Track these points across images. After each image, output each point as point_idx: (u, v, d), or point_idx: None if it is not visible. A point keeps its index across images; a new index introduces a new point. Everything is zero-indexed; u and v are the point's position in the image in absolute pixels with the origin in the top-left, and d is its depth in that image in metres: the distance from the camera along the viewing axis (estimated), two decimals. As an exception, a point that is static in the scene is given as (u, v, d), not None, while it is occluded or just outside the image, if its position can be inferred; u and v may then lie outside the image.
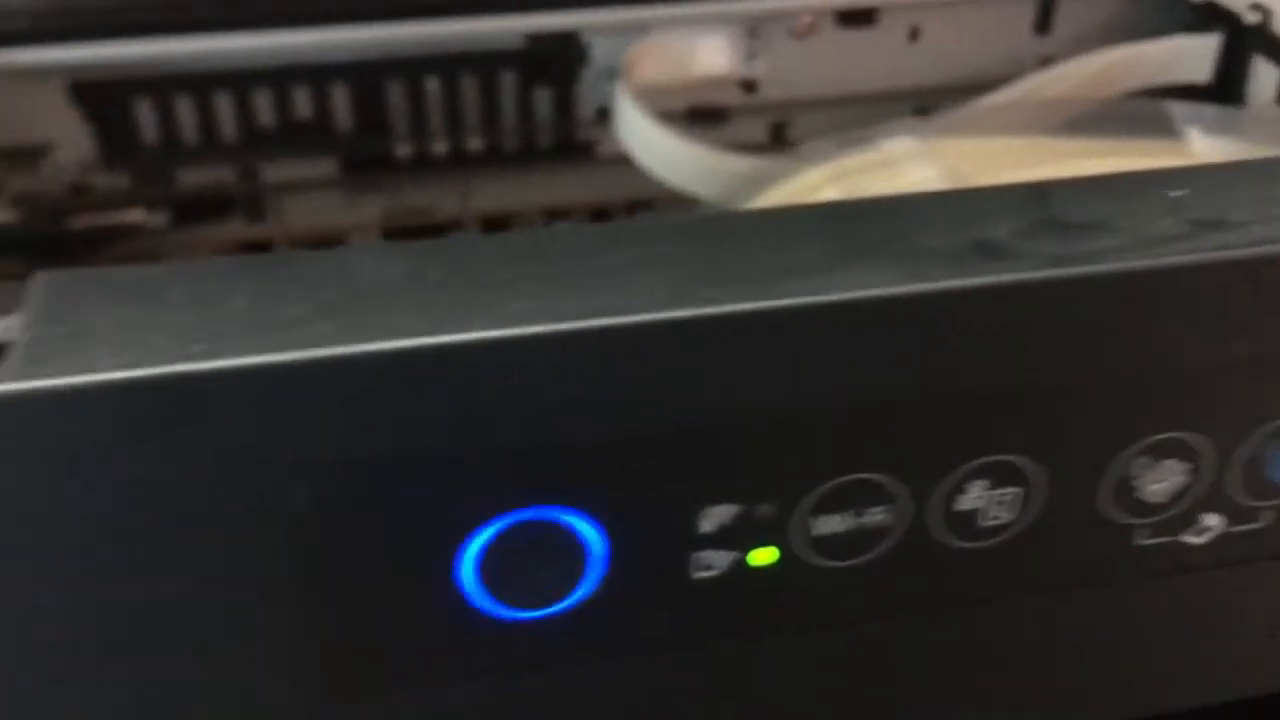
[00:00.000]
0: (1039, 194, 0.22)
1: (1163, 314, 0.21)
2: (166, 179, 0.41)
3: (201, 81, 0.39)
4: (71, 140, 0.39)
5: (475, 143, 0.43)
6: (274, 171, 0.41)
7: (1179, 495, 0.23)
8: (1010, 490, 0.22)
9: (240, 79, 0.40)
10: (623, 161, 0.41)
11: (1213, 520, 0.24)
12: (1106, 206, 0.22)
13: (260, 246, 0.42)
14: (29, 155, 0.39)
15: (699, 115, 0.44)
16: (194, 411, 0.18)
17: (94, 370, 0.17)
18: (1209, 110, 0.34)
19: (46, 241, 0.40)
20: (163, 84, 0.39)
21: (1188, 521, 0.23)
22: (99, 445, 0.18)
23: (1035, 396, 0.21)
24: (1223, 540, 0.24)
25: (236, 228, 0.42)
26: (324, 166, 0.42)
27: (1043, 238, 0.21)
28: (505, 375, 0.19)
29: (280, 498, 0.19)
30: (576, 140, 0.43)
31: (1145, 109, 0.34)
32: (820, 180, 0.30)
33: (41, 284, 0.20)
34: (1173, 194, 0.22)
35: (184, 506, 0.19)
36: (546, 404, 0.19)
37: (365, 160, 0.42)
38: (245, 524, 0.19)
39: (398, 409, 0.19)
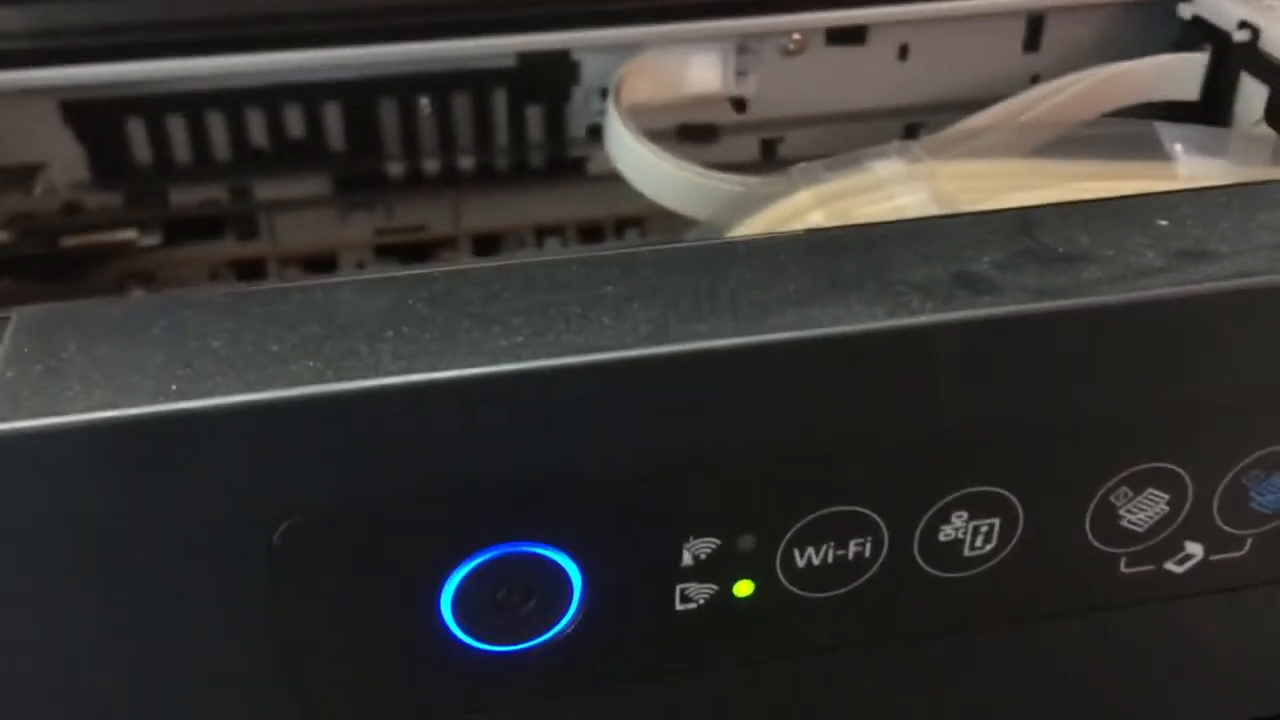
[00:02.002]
0: (1023, 222, 0.22)
1: (1144, 346, 0.21)
2: (159, 198, 0.41)
3: (193, 101, 0.39)
4: (64, 160, 0.40)
5: (467, 161, 0.43)
6: (266, 190, 0.41)
7: (1161, 524, 0.23)
8: (991, 520, 0.22)
9: (232, 98, 0.40)
10: (614, 179, 0.41)
11: (1195, 549, 0.24)
12: (1090, 236, 0.22)
13: (253, 265, 0.42)
14: (22, 175, 0.40)
15: (690, 133, 0.44)
16: (170, 453, 0.18)
17: (67, 412, 0.17)
18: (1196, 131, 0.34)
19: (40, 261, 0.40)
20: (155, 104, 0.39)
21: (1170, 550, 0.24)
22: (74, 487, 0.18)
23: (1016, 428, 0.21)
24: (1205, 568, 0.24)
25: (229, 246, 0.42)
26: (316, 185, 0.42)
27: (1025, 269, 0.21)
28: (489, 412, 0.19)
29: (259, 539, 0.19)
30: (568, 158, 0.43)
31: (1133, 130, 0.34)
32: (808, 203, 0.30)
33: (17, 321, 0.20)
34: (1157, 223, 0.22)
35: (161, 548, 0.19)
36: (529, 439, 0.19)
37: (357, 179, 0.42)
38: (223, 565, 0.19)
39: (379, 447, 0.19)
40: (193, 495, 0.18)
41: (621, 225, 0.44)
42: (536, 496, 0.20)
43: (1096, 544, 0.23)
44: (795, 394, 0.20)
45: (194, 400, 0.18)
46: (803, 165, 0.31)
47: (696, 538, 0.21)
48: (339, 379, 0.18)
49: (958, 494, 0.22)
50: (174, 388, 0.18)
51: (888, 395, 0.20)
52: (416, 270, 0.21)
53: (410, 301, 0.20)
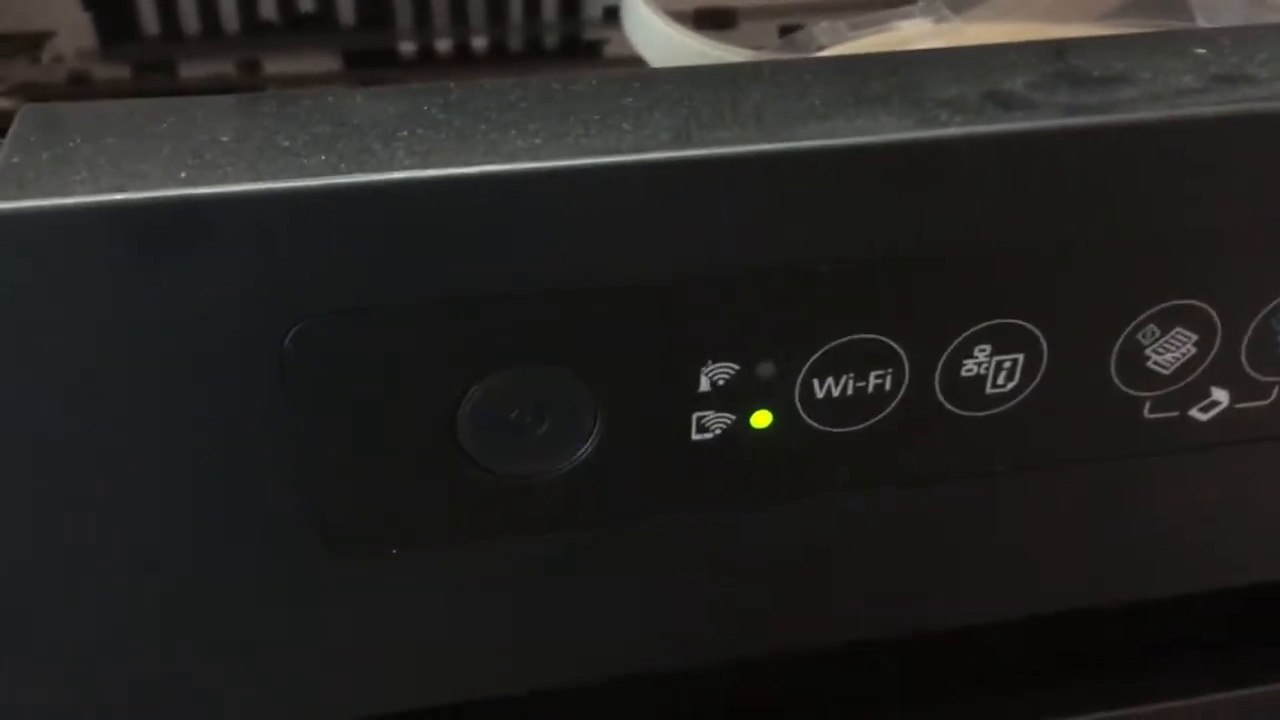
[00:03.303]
0: (1055, 49, 0.21)
1: (1180, 169, 0.20)
2: (167, 70, 0.40)
3: (202, -31, 0.39)
4: (71, 28, 0.39)
5: (480, 40, 0.42)
6: (276, 65, 0.41)
7: (1187, 367, 0.23)
8: (1014, 356, 0.22)
9: (241, -33, 0.39)
10: (630, 62, 0.40)
11: (1220, 395, 0.23)
12: (1125, 62, 0.21)
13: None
14: (29, 43, 0.39)
15: (707, 17, 0.43)
16: (180, 241, 0.17)
17: (76, 194, 0.17)
18: (1235, 2, 0.33)
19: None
20: (162, -30, 0.39)
21: (1195, 396, 0.23)
22: (79, 274, 0.17)
23: (1044, 256, 0.21)
24: (1230, 416, 0.23)
25: (238, 122, 0.41)
26: (327, 61, 0.41)
27: (1059, 89, 0.20)
28: (504, 214, 0.18)
29: (270, 343, 0.18)
30: (583, 40, 0.43)
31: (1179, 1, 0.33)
32: (830, 62, 0.29)
33: (24, 114, 0.19)
34: (1195, 51, 0.21)
35: (170, 346, 0.18)
36: (544, 247, 0.19)
37: (368, 55, 0.41)
38: (234, 369, 0.19)
39: (390, 248, 0.18)
40: (203, 291, 0.18)
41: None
42: (553, 310, 0.20)
43: (1121, 386, 0.23)
44: (820, 209, 0.20)
45: (204, 186, 0.17)
46: (826, 24, 0.30)
47: (715, 362, 0.21)
48: (352, 172, 0.18)
49: (982, 325, 0.21)
50: (183, 175, 0.17)
51: (915, 214, 0.20)
52: (431, 85, 0.21)
53: (425, 108, 0.20)
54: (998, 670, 0.29)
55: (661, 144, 0.19)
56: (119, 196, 0.17)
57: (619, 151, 0.19)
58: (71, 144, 0.18)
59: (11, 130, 0.19)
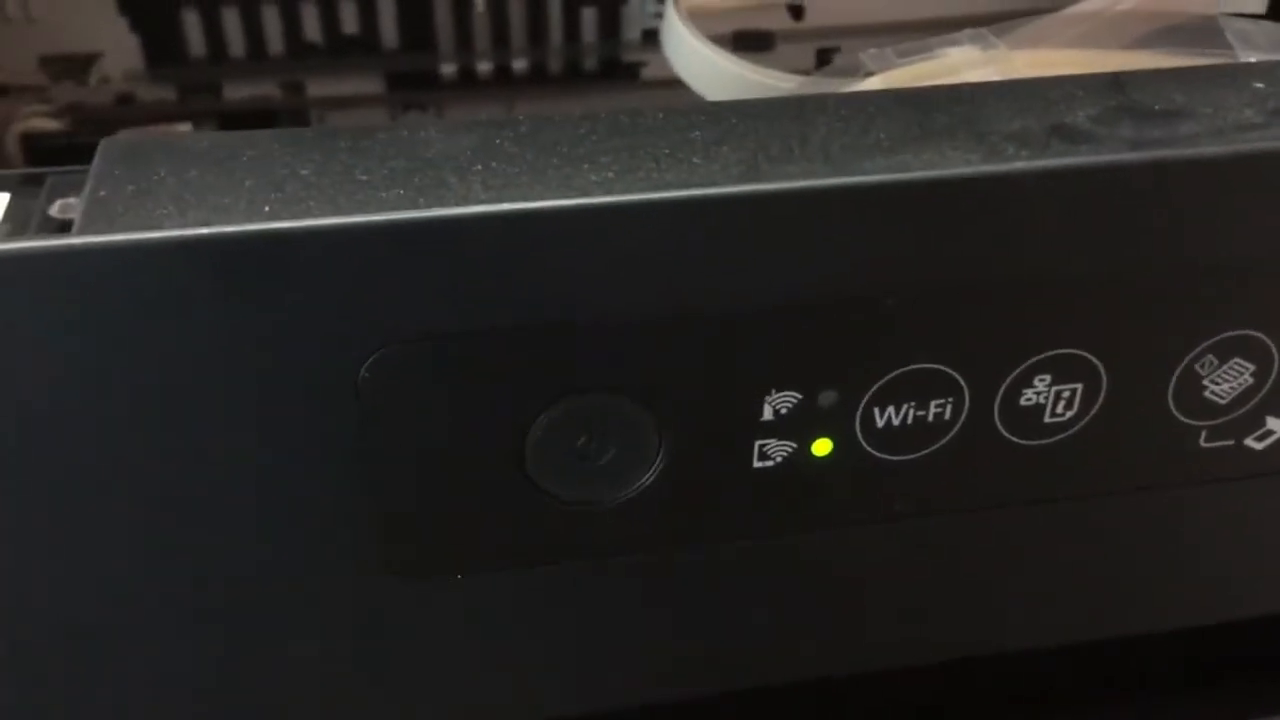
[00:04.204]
0: (1116, 82, 0.22)
1: (1240, 203, 0.20)
2: (212, 92, 0.41)
3: (248, -7, 0.39)
4: (119, 50, 0.39)
5: (520, 63, 0.42)
6: (319, 87, 0.41)
7: (1244, 397, 0.23)
8: (1074, 386, 0.22)
9: (287, -9, 0.39)
10: (669, 85, 0.40)
11: (1276, 425, 0.23)
12: (1185, 95, 0.21)
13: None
14: (77, 65, 0.39)
15: (745, 40, 0.43)
16: (263, 273, 0.18)
17: (165, 228, 0.17)
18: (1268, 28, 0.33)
19: (92, 151, 0.40)
20: (210, -6, 0.39)
21: (1251, 425, 0.23)
22: (168, 306, 0.18)
23: (1105, 287, 0.21)
24: (1287, 445, 0.23)
25: (281, 143, 0.42)
26: (369, 83, 0.42)
27: (1122, 123, 0.20)
28: (576, 247, 0.19)
29: (347, 367, 0.19)
30: (622, 62, 0.43)
31: (1212, 26, 0.33)
32: (879, 87, 0.30)
33: (105, 147, 0.19)
34: (1253, 85, 0.21)
35: (249, 371, 0.19)
36: (618, 278, 0.19)
37: (411, 77, 0.42)
38: (311, 397, 0.19)
39: (468, 279, 0.19)
40: (284, 320, 0.18)
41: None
42: (620, 339, 0.20)
43: (1178, 415, 0.23)
44: (887, 241, 0.20)
45: (288, 221, 0.18)
46: (873, 51, 0.31)
47: (779, 391, 0.21)
48: (431, 206, 0.18)
49: (1043, 355, 0.21)
50: (267, 209, 0.18)
51: (980, 246, 0.20)
52: (499, 117, 0.21)
53: (497, 141, 0.20)
54: (1043, 694, 0.29)
55: (733, 178, 0.19)
56: (206, 231, 0.17)
57: (690, 185, 0.19)
58: (155, 177, 0.18)
59: (94, 164, 0.19)
